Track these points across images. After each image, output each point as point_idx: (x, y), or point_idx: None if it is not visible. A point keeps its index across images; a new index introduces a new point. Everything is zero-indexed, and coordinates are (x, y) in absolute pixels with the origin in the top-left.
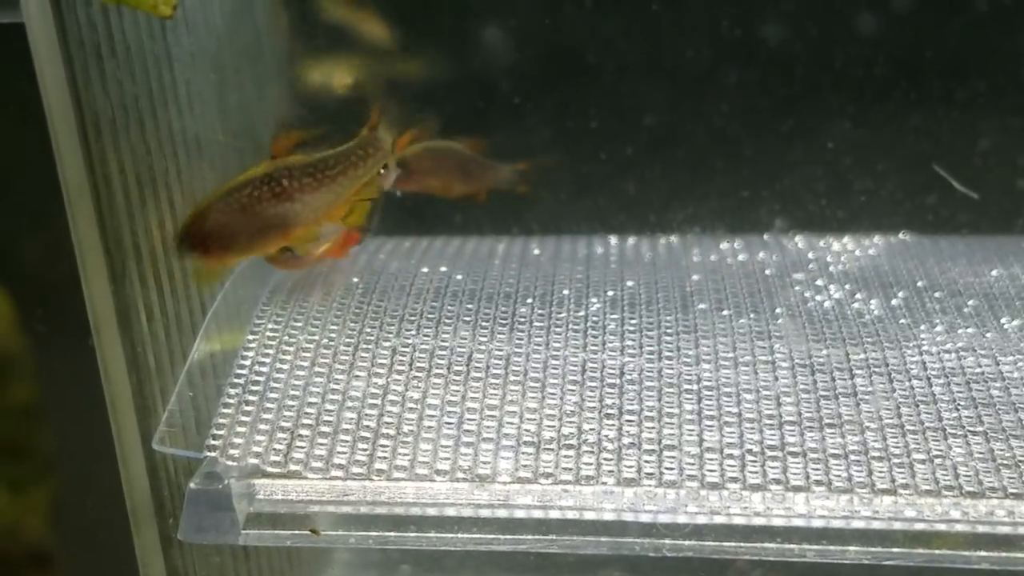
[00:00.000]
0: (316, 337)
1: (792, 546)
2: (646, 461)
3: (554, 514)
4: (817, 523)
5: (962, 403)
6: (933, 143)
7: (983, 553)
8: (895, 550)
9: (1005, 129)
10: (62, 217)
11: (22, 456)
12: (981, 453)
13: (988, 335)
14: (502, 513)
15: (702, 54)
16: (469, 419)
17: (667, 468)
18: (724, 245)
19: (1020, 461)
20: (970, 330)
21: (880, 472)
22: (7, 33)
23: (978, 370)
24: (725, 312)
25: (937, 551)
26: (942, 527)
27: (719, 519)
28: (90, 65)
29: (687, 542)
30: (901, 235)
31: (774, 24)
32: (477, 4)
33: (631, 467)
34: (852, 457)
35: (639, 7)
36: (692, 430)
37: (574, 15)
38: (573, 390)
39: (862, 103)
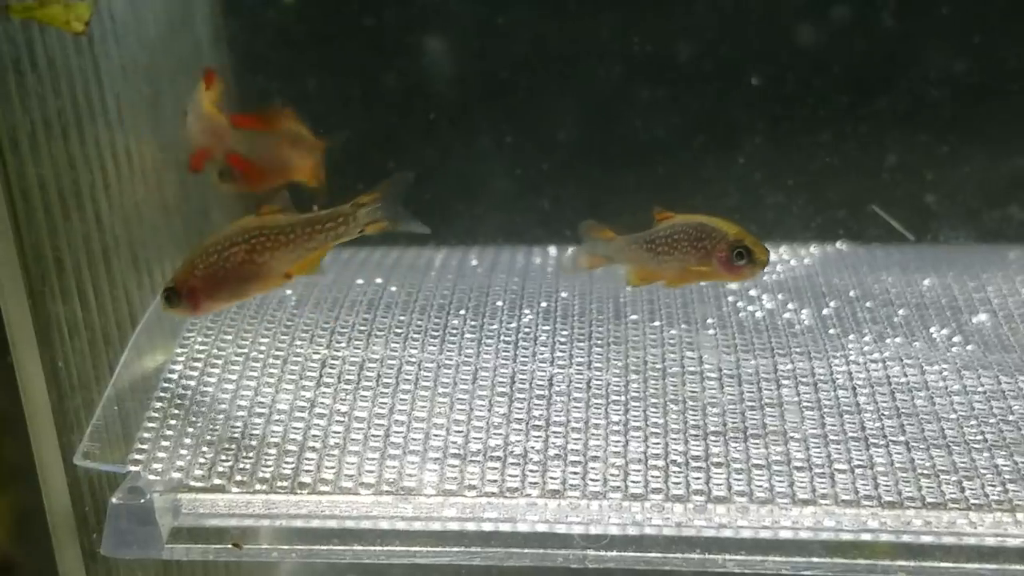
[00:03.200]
0: (245, 350)
1: (715, 556)
2: (571, 473)
3: (478, 526)
4: (739, 534)
5: (886, 413)
6: (842, 158)
7: (901, 563)
8: (815, 559)
9: (912, 144)
10: None
11: None
12: (902, 463)
13: (916, 344)
14: (427, 526)
15: (613, 72)
16: (396, 431)
17: (592, 480)
18: None
19: (940, 471)
20: (898, 339)
21: (801, 483)
22: None
23: (903, 380)
24: (656, 323)
25: (856, 560)
26: (865, 537)
27: (643, 531)
28: (8, 79)
29: (609, 553)
30: (838, 244)
31: (686, 42)
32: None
33: (556, 479)
34: (775, 468)
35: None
36: (618, 441)
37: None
38: (501, 402)
39: (774, 119)
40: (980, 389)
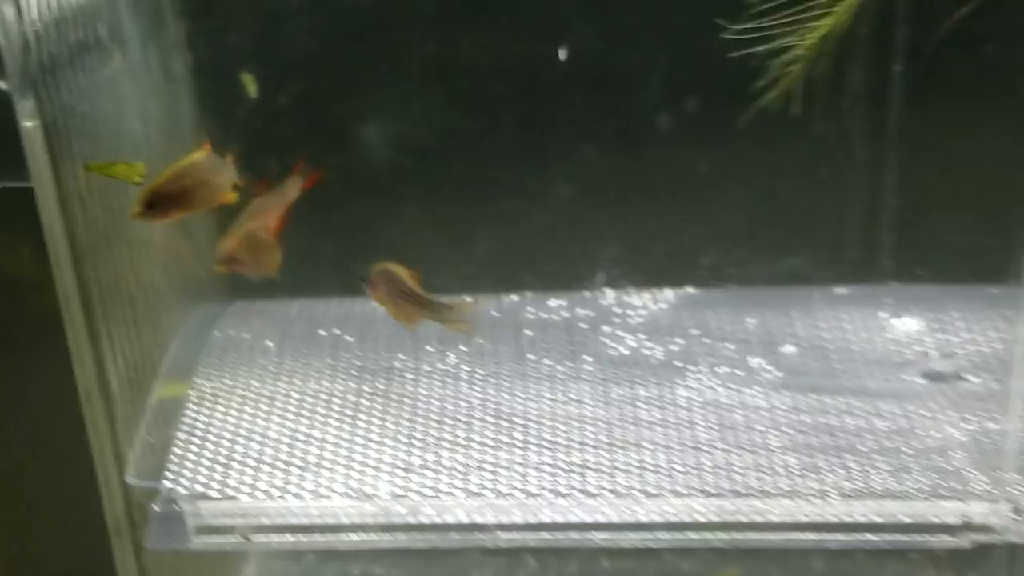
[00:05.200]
0: (243, 391)
1: (589, 535)
2: (484, 478)
3: (421, 519)
4: (605, 519)
5: (714, 425)
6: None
7: (721, 535)
8: (660, 535)
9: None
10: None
11: None
12: (724, 464)
13: (738, 372)
14: (380, 520)
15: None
16: (358, 449)
17: (501, 481)
18: (552, 303)
19: (748, 469)
20: (725, 368)
21: (652, 481)
22: None
23: (727, 400)
24: (547, 361)
25: (687, 535)
26: (697, 519)
27: (540, 519)
28: None
29: (513, 535)
30: (687, 288)
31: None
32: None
33: (477, 483)
34: (632, 471)
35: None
36: (520, 453)
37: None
38: (435, 424)
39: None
40: (781, 406)
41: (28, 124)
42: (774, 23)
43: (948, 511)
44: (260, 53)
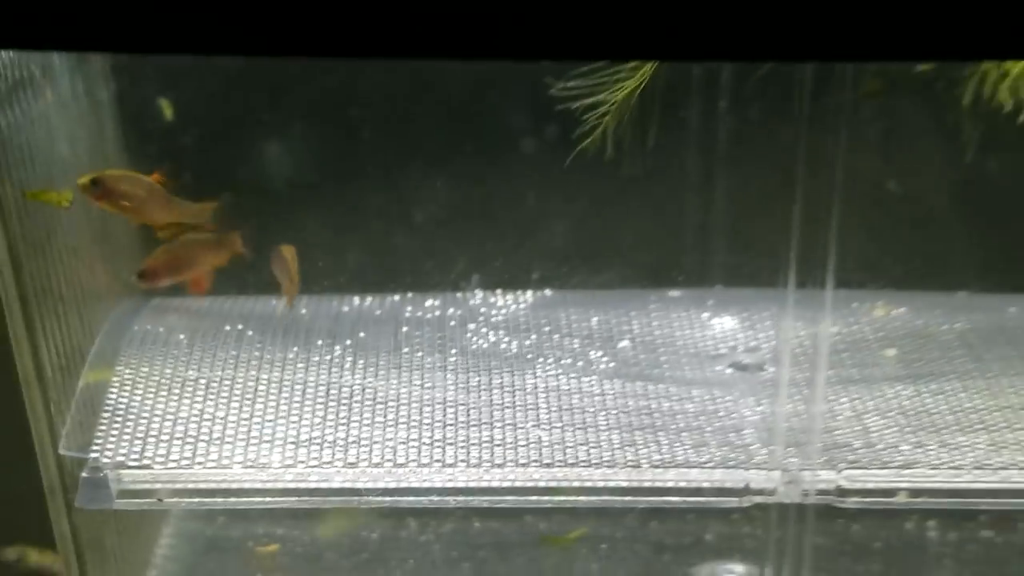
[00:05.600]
0: (159, 377)
1: (447, 498)
2: (361, 451)
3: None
4: (457, 483)
5: (554, 408)
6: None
7: (563, 498)
8: (509, 498)
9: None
10: None
11: None
12: (558, 440)
13: (579, 363)
14: (273, 486)
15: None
16: (255, 427)
17: (375, 453)
18: (428, 302)
19: (580, 444)
20: (568, 360)
21: (499, 454)
22: None
23: (567, 387)
24: (419, 353)
25: (522, 497)
26: (537, 484)
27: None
28: None
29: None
30: (546, 291)
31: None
32: None
33: (354, 455)
34: (484, 444)
35: None
36: (392, 430)
37: None
38: (321, 406)
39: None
40: (611, 392)
41: None
42: (591, 84)
43: (734, 478)
44: (174, 81)
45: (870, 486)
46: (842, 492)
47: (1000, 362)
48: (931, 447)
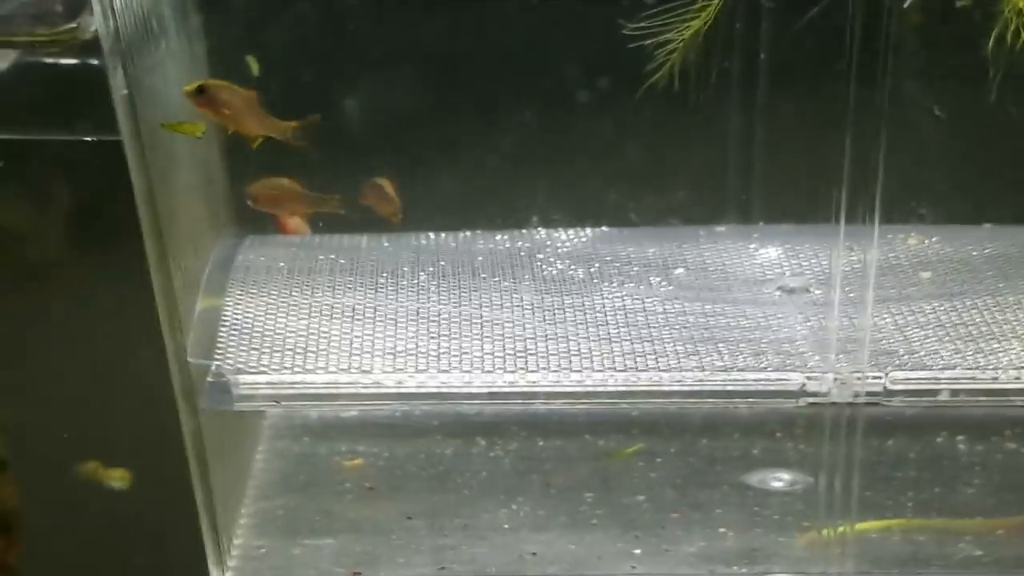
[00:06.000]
0: (265, 299)
1: (532, 402)
2: (452, 361)
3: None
4: (542, 389)
5: (622, 324)
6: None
7: (629, 401)
8: (582, 403)
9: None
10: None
11: None
12: (629, 350)
13: (640, 287)
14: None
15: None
16: (356, 340)
17: (464, 362)
18: (498, 237)
19: (648, 354)
20: (630, 284)
21: (576, 362)
22: None
23: (632, 307)
24: (496, 278)
25: (598, 401)
26: (612, 389)
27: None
28: None
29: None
30: (603, 227)
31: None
32: None
33: (446, 364)
34: (562, 355)
35: None
36: (478, 342)
37: None
38: (413, 324)
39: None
40: (672, 311)
41: (120, 93)
42: (660, 23)
43: (791, 381)
44: (258, 39)
45: (913, 387)
46: (889, 393)
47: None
48: (968, 353)
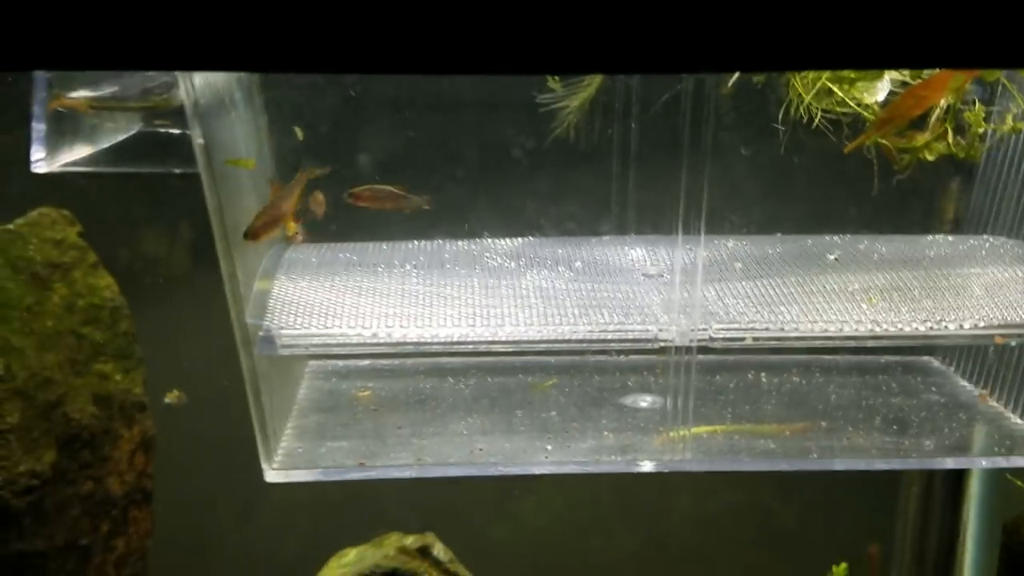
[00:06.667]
0: (305, 285)
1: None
2: (435, 320)
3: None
4: (484, 339)
5: (539, 297)
6: None
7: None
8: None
9: None
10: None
11: None
12: (542, 313)
13: (552, 274)
14: (379, 340)
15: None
16: (379, 309)
17: (440, 324)
18: (459, 243)
19: (555, 315)
20: (546, 272)
21: (507, 321)
22: None
23: (546, 286)
24: (458, 269)
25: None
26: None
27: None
28: None
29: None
30: (528, 237)
31: None
32: None
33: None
34: (499, 317)
35: None
36: (442, 310)
37: None
38: (422, 301)
39: None
40: (573, 289)
41: (198, 142)
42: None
43: (649, 332)
44: (304, 117)
45: (728, 335)
46: (712, 339)
47: (803, 269)
48: (764, 314)
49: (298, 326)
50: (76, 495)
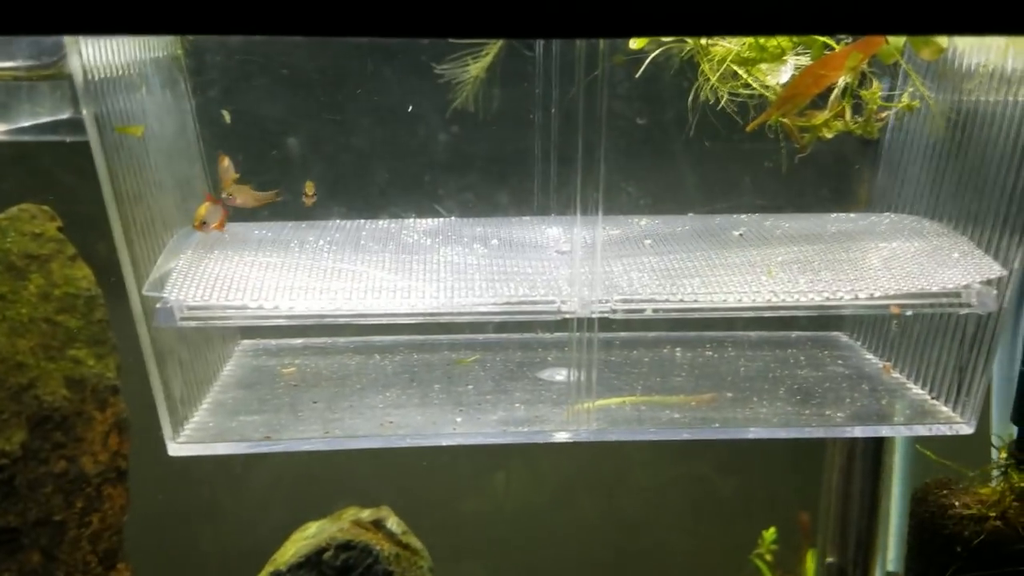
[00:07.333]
0: (212, 257)
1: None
2: (333, 294)
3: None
4: (392, 311)
5: (452, 272)
6: None
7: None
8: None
9: None
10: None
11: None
12: (453, 287)
13: (468, 251)
14: (274, 313)
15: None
16: (271, 280)
17: (343, 297)
18: (380, 222)
19: (468, 288)
20: (461, 249)
21: (415, 294)
22: None
23: (460, 261)
24: (373, 246)
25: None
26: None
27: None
28: None
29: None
30: (453, 217)
31: None
32: None
33: (327, 298)
34: (406, 291)
35: None
36: (348, 284)
37: None
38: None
39: None
40: (486, 264)
41: (89, 113)
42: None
43: (553, 303)
44: (232, 100)
45: (629, 307)
46: (614, 311)
47: (709, 246)
48: (666, 286)
49: (197, 298)
50: (49, 473)
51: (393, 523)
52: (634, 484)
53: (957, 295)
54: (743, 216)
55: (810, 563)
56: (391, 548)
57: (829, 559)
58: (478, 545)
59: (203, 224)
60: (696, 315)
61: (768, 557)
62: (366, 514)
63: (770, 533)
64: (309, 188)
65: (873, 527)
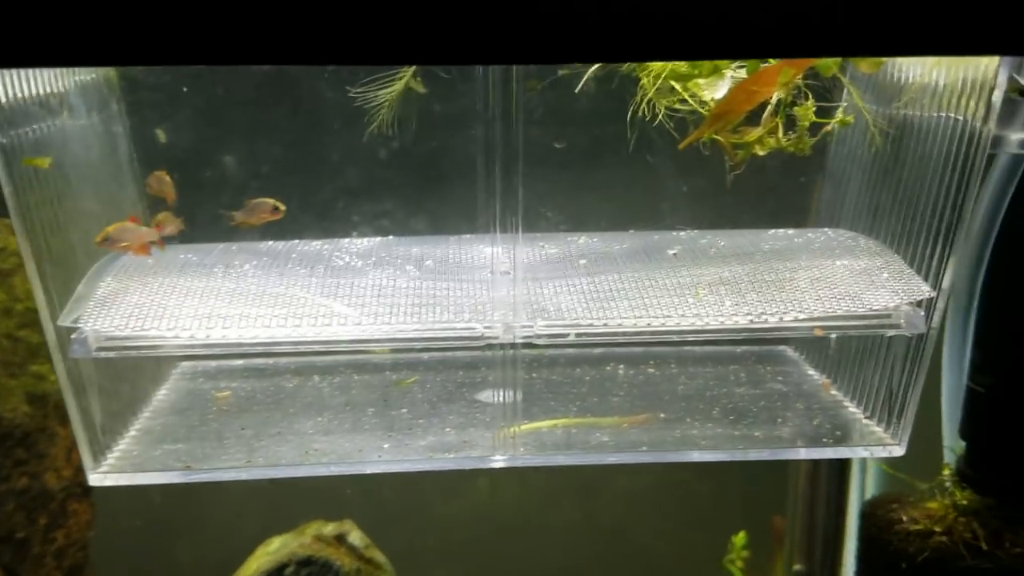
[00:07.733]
0: (132, 283)
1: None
2: (256, 321)
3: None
4: (309, 339)
5: (381, 295)
6: None
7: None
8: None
9: None
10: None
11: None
12: (377, 311)
13: (398, 273)
14: (193, 342)
15: None
16: (189, 309)
17: (263, 323)
18: (314, 244)
19: (395, 312)
20: (391, 271)
21: (337, 320)
22: None
23: (391, 284)
24: (300, 269)
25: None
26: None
27: (279, 340)
28: None
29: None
30: (389, 236)
31: None
32: None
33: (247, 325)
34: (327, 317)
35: None
36: (270, 310)
37: None
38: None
39: None
40: (414, 287)
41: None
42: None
43: (476, 329)
44: (170, 123)
45: (553, 331)
46: (538, 336)
47: (643, 266)
48: (593, 310)
49: (113, 328)
50: (10, 491)
51: (356, 537)
52: (613, 488)
53: (887, 316)
54: (682, 234)
55: (780, 569)
56: (352, 563)
57: (796, 566)
58: (455, 549)
59: (105, 241)
60: (621, 339)
61: (739, 563)
62: (329, 528)
63: (739, 538)
64: (280, 204)
65: (840, 534)
